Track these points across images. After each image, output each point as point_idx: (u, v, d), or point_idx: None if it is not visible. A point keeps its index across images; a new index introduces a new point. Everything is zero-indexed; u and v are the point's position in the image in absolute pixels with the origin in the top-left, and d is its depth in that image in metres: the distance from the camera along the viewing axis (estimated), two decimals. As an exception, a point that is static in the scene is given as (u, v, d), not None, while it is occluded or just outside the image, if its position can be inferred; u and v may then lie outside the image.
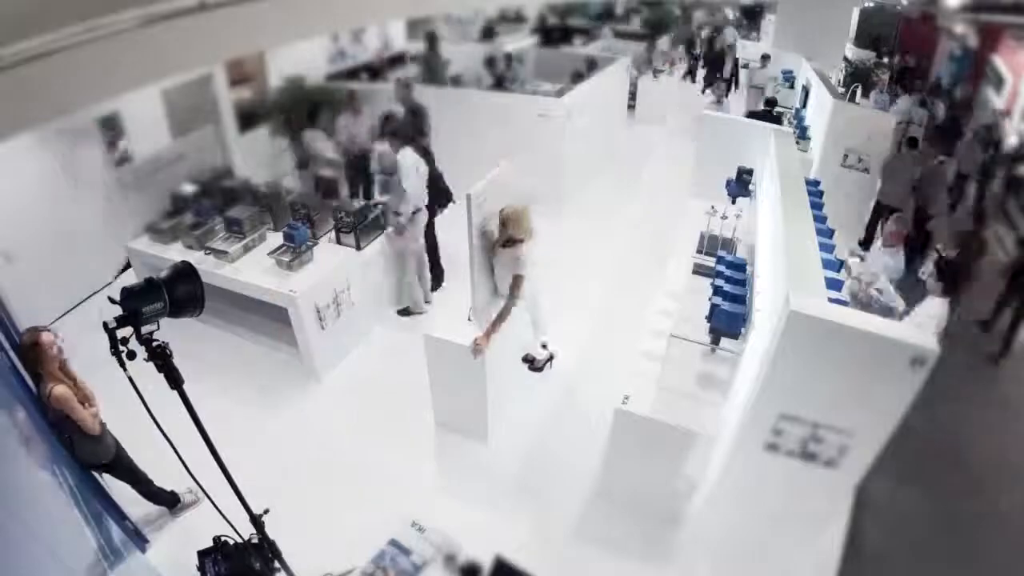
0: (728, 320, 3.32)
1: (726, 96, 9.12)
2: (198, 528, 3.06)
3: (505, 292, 3.58)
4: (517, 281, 3.49)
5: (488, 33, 10.77)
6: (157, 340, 1.72)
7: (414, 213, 4.56)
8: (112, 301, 1.68)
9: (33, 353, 2.68)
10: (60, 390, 2.69)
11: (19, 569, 1.77)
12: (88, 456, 2.90)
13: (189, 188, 5.14)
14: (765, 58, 8.99)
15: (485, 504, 3.46)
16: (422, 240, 4.81)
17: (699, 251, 4.27)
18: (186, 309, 1.78)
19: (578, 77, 7.80)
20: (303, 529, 2.85)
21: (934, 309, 3.69)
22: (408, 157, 4.38)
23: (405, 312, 5.00)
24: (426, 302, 5.03)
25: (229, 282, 4.31)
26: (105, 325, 1.63)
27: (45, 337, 2.69)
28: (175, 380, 1.76)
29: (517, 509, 3.43)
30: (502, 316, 3.48)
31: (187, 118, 5.87)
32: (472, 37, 10.79)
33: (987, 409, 4.36)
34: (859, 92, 7.70)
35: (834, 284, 2.77)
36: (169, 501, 3.35)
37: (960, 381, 4.11)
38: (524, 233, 3.49)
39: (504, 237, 3.50)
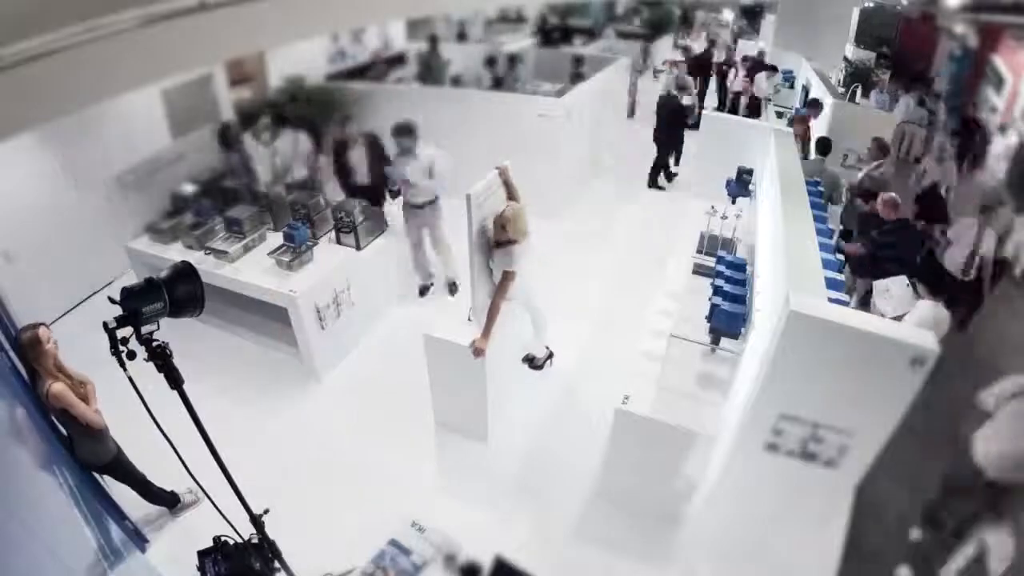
0: (728, 320, 3.32)
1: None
2: (198, 528, 3.06)
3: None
4: (505, 277, 3.47)
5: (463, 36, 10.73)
6: (157, 340, 1.72)
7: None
8: (112, 301, 1.68)
9: (33, 351, 2.68)
10: (58, 387, 2.69)
11: (19, 569, 1.77)
12: (88, 456, 2.90)
13: (189, 188, 5.15)
14: (772, 69, 8.96)
15: (485, 504, 3.46)
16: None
17: (699, 251, 4.27)
18: (186, 309, 1.77)
19: (576, 78, 7.78)
20: (303, 529, 2.85)
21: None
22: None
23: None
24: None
25: (229, 282, 4.31)
26: (105, 325, 1.63)
27: (43, 333, 2.70)
28: (175, 380, 1.76)
29: (517, 509, 3.43)
30: (491, 315, 3.47)
31: (187, 118, 5.87)
32: (475, 37, 10.78)
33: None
34: (859, 92, 7.70)
35: (834, 284, 2.77)
36: (169, 501, 3.35)
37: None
38: (518, 234, 3.47)
39: (501, 237, 3.50)
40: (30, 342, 2.67)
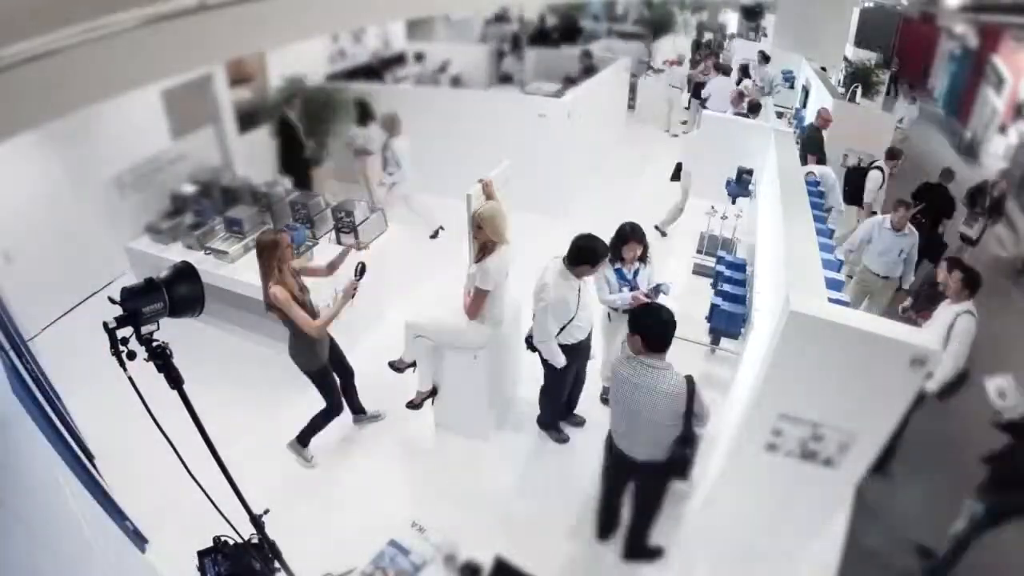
0: (728, 320, 3.33)
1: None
2: (198, 528, 3.05)
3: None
4: (477, 298, 3.23)
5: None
6: (157, 340, 1.72)
7: None
8: (112, 301, 1.67)
9: (270, 252, 3.02)
10: (276, 290, 3.03)
11: (18, 568, 1.77)
12: (296, 357, 3.37)
13: (189, 188, 5.14)
14: (765, 57, 8.98)
15: (485, 504, 3.46)
16: None
17: (699, 251, 4.28)
18: (186, 309, 1.77)
19: (582, 77, 7.79)
20: (303, 529, 2.85)
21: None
22: None
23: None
24: None
25: (229, 282, 4.30)
26: (105, 325, 1.62)
27: (283, 238, 3.07)
28: (175, 380, 1.75)
29: (517, 509, 3.43)
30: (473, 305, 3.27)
31: (187, 118, 5.87)
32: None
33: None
34: (859, 92, 7.70)
35: (834, 284, 2.77)
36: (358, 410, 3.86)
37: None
38: (496, 235, 3.22)
39: (479, 237, 3.24)
40: (270, 244, 3.01)
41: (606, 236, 3.25)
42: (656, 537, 3.19)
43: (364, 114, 6.41)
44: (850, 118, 6.35)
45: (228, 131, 6.64)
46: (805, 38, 8.97)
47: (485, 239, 3.24)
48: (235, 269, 4.35)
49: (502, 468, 3.69)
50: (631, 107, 9.68)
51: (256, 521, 2.21)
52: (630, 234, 3.35)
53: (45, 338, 4.80)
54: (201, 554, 2.43)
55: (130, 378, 1.71)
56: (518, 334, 4.02)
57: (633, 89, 9.64)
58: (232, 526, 2.20)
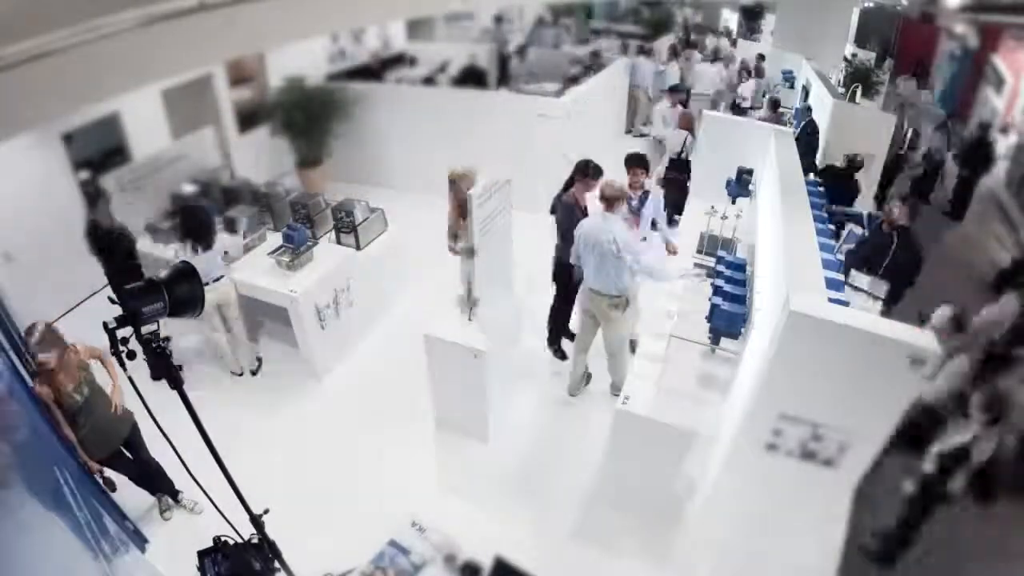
0: (728, 320, 3.32)
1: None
2: (198, 528, 3.06)
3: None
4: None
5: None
6: (157, 340, 1.72)
7: None
8: (112, 301, 1.68)
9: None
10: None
11: (17, 570, 1.77)
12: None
13: (189, 188, 5.14)
14: (761, 58, 8.98)
15: (485, 504, 3.47)
16: None
17: (699, 251, 4.27)
18: (186, 309, 1.77)
19: (575, 79, 7.79)
20: (303, 529, 2.85)
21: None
22: None
23: None
24: None
25: (229, 282, 4.30)
26: (105, 325, 1.63)
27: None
28: (175, 380, 1.75)
29: (517, 509, 3.43)
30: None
31: (187, 118, 5.87)
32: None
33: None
34: (859, 92, 7.70)
35: (834, 284, 2.77)
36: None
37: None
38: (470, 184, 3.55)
39: (463, 195, 3.48)
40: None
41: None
42: (656, 537, 3.19)
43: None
44: (850, 119, 6.35)
45: (228, 131, 6.65)
46: (805, 38, 8.97)
47: (462, 194, 3.54)
48: (235, 269, 4.34)
49: (502, 468, 3.69)
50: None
51: (256, 521, 2.21)
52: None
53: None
54: (201, 554, 2.43)
55: (130, 378, 1.71)
56: (517, 335, 4.03)
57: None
58: (232, 526, 2.21)
